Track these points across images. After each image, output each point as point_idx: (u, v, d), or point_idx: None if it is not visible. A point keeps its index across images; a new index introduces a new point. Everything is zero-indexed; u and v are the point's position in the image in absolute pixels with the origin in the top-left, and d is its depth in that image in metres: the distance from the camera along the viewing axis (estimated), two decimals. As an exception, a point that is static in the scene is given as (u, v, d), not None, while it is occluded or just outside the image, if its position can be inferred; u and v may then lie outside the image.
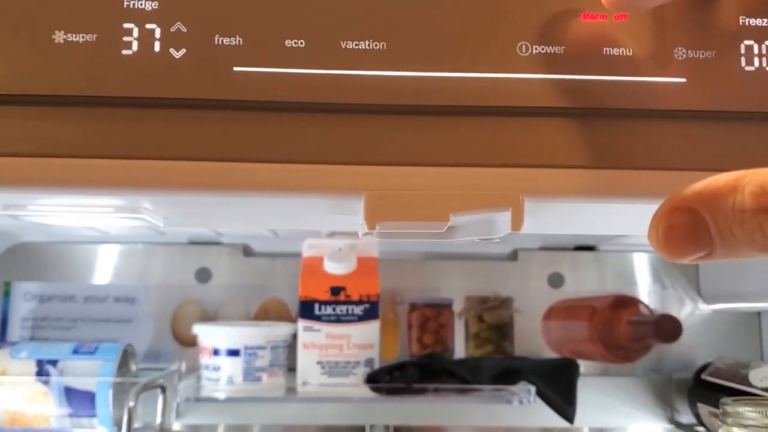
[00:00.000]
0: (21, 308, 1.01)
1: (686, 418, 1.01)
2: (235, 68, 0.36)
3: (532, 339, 1.07)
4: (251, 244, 1.06)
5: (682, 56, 0.37)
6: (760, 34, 0.38)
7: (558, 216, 0.43)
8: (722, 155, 0.37)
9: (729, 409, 0.67)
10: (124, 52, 0.36)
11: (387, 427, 0.99)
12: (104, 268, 1.03)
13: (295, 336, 0.90)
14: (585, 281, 1.09)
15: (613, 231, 0.63)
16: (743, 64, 0.38)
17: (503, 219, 0.36)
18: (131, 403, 0.68)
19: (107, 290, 1.02)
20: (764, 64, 0.38)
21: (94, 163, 0.36)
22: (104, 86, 0.36)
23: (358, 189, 0.36)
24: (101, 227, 0.56)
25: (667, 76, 0.37)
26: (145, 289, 1.03)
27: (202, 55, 0.36)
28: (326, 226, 0.57)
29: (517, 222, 0.36)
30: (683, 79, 0.37)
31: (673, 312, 1.05)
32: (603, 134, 0.37)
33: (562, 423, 0.92)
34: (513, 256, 1.10)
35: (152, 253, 1.04)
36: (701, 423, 0.97)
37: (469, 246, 1.08)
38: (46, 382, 0.82)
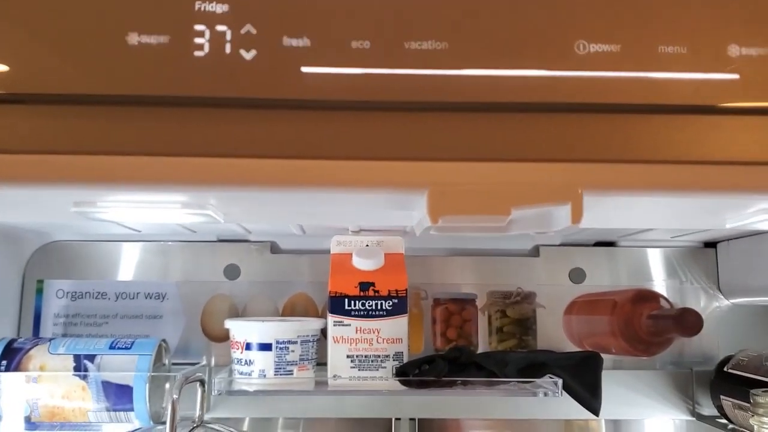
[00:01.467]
0: (53, 305, 1.02)
1: (708, 410, 1.02)
2: (303, 69, 0.38)
3: (554, 333, 1.08)
4: (278, 241, 1.07)
5: (735, 53, 0.39)
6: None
7: (612, 211, 0.44)
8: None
9: (760, 399, 0.68)
10: (196, 53, 0.38)
11: (413, 420, 1.01)
12: (135, 266, 1.05)
13: (323, 331, 0.91)
14: (605, 276, 1.10)
15: (659, 225, 0.64)
16: (792, 60, 0.39)
17: (563, 213, 0.38)
18: (175, 396, 0.70)
19: (138, 287, 1.04)
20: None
21: (165, 160, 0.37)
22: (176, 86, 0.37)
23: (422, 184, 0.37)
24: (165, 222, 0.57)
25: (721, 73, 0.38)
26: (175, 285, 1.04)
27: (271, 56, 0.38)
28: (378, 221, 0.58)
29: (576, 215, 0.37)
30: (737, 76, 0.38)
31: (693, 306, 1.06)
32: (659, 129, 0.38)
33: (582, 415, 0.93)
34: (535, 252, 1.11)
35: (182, 250, 1.05)
36: (724, 415, 0.98)
37: (491, 242, 1.10)
38: (84, 377, 0.84)
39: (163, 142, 0.37)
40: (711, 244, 1.10)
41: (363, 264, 0.92)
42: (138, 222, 0.48)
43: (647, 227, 0.77)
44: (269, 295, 1.05)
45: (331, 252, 0.95)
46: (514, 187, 0.37)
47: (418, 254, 1.07)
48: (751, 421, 0.67)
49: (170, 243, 1.05)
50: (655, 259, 1.10)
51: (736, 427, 0.96)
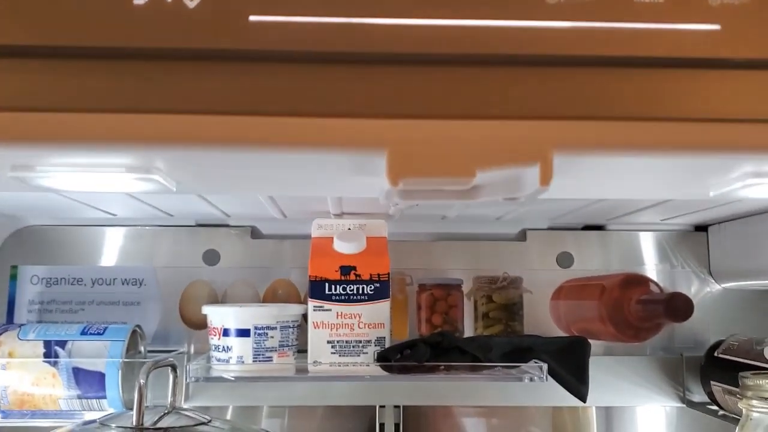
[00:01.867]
0: (28, 291, 1.00)
1: (698, 396, 1.01)
2: (251, 17, 0.35)
3: (542, 318, 1.06)
4: (259, 226, 1.05)
5: (716, 1, 0.36)
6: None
7: (584, 176, 0.42)
8: (759, 105, 0.36)
9: (749, 382, 0.66)
10: (135, 1, 0.35)
11: (397, 407, 0.99)
12: (112, 251, 1.02)
13: (304, 317, 0.89)
14: (594, 260, 1.08)
15: (638, 194, 0.62)
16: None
17: (531, 175, 0.35)
18: (141, 381, 0.67)
19: (115, 273, 1.01)
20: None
21: (103, 117, 0.35)
22: (114, 37, 0.35)
23: (381, 143, 0.35)
24: (112, 190, 0.55)
25: (701, 23, 0.36)
26: (153, 271, 1.02)
27: (216, 3, 0.35)
28: (345, 191, 0.56)
29: (545, 177, 0.35)
30: (717, 26, 0.36)
31: (683, 291, 1.04)
32: (635, 84, 0.36)
33: (570, 402, 0.91)
34: (521, 236, 1.09)
35: (160, 235, 1.03)
36: (714, 401, 0.97)
37: (477, 226, 1.07)
38: (54, 364, 0.81)
39: (101, 97, 0.34)
40: (702, 228, 1.09)
41: (344, 247, 0.90)
42: (82, 190, 0.45)
43: (626, 197, 0.75)
44: (250, 281, 1.03)
45: (312, 236, 0.93)
46: (479, 147, 0.35)
47: (404, 239, 1.05)
48: (740, 405, 0.65)
49: (147, 228, 1.03)
50: (645, 243, 1.08)
51: (727, 413, 0.94)
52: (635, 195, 0.65)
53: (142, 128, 0.35)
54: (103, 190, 0.49)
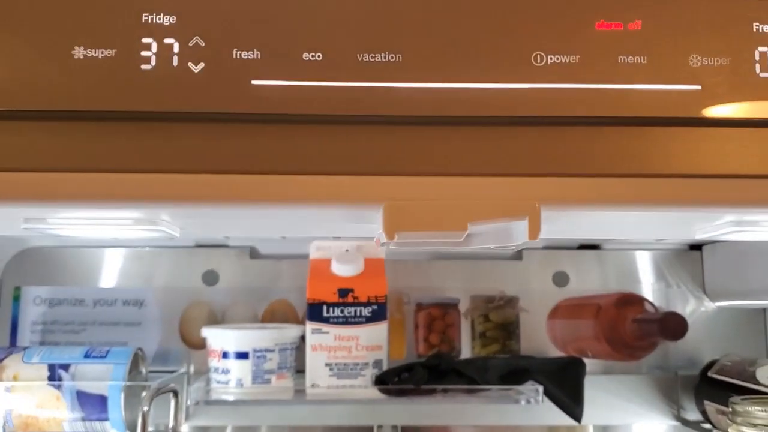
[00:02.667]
0: (31, 312, 1.01)
1: (693, 415, 1.01)
2: (254, 81, 0.37)
3: (538, 337, 1.07)
4: (257, 246, 1.06)
5: (697, 63, 0.38)
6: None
7: (573, 222, 0.43)
8: (738, 161, 0.37)
9: (738, 408, 0.67)
10: (143, 66, 0.37)
11: (395, 428, 1.00)
12: (112, 272, 1.03)
13: (302, 338, 0.90)
14: (589, 280, 1.09)
15: (626, 236, 0.64)
16: (758, 71, 0.38)
17: (520, 228, 0.37)
18: (145, 408, 0.69)
19: (116, 294, 1.03)
20: None
21: (113, 177, 0.36)
22: (124, 101, 0.36)
23: (377, 199, 0.37)
24: (117, 237, 0.56)
25: (682, 84, 0.37)
26: (153, 292, 1.03)
27: (220, 68, 0.37)
28: (342, 233, 0.57)
29: (534, 231, 0.36)
30: (698, 87, 0.37)
31: (678, 309, 1.06)
32: (618, 142, 0.37)
33: (567, 422, 0.92)
34: (518, 255, 1.10)
35: (160, 256, 1.04)
36: (708, 420, 0.98)
37: (474, 246, 1.08)
38: (58, 387, 0.83)
39: (110, 158, 0.36)
40: (696, 247, 1.10)
41: (342, 270, 0.91)
42: (92, 238, 0.47)
43: (612, 237, 0.76)
44: (248, 302, 1.04)
45: (310, 257, 0.94)
46: (470, 203, 0.36)
47: (400, 258, 1.06)
48: (730, 430, 0.66)
49: (147, 249, 1.04)
50: (640, 262, 1.09)
51: (720, 432, 0.95)
52: (624, 236, 0.66)
53: (150, 187, 0.36)
54: (111, 236, 0.50)
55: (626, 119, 0.37)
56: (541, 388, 0.88)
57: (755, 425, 0.66)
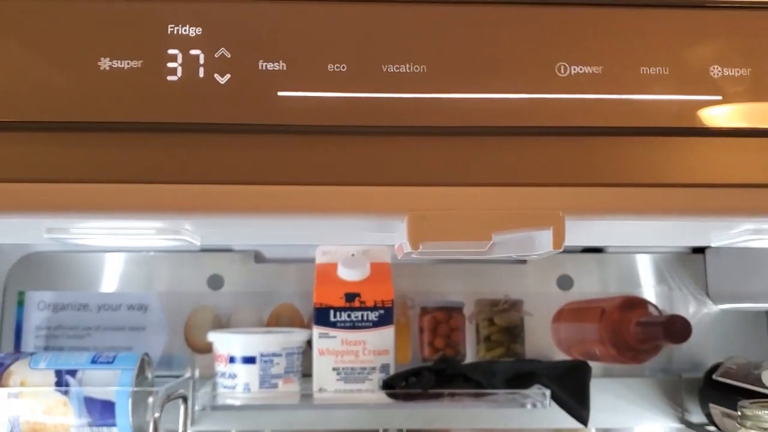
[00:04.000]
0: (35, 317, 1.01)
1: (697, 417, 1.02)
2: (279, 93, 0.37)
3: (543, 341, 1.07)
4: (262, 250, 1.06)
5: (717, 74, 0.38)
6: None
7: (595, 230, 0.44)
8: (758, 170, 0.38)
9: (748, 412, 0.68)
10: (169, 78, 0.37)
11: (400, 431, 1.00)
12: (117, 276, 1.03)
13: (308, 342, 0.90)
14: (593, 283, 1.09)
15: (644, 242, 0.64)
16: None
17: (544, 237, 0.37)
18: (156, 414, 0.69)
19: (120, 298, 1.03)
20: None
21: (138, 188, 0.37)
22: (149, 112, 0.36)
23: (401, 210, 0.37)
24: (141, 246, 0.57)
25: (703, 94, 0.38)
26: (158, 296, 1.03)
27: (246, 80, 0.37)
28: (363, 241, 0.58)
29: (558, 240, 0.36)
30: (719, 97, 0.38)
31: (681, 312, 1.06)
32: (640, 152, 0.38)
33: (572, 425, 0.93)
34: (522, 259, 1.10)
35: (164, 260, 1.04)
36: (713, 423, 0.98)
37: (478, 250, 1.09)
38: (65, 393, 0.82)
39: (135, 169, 0.36)
40: (699, 250, 1.10)
41: (348, 274, 0.91)
42: (113, 246, 0.47)
43: (632, 244, 0.77)
44: (254, 306, 1.04)
45: (316, 262, 0.94)
46: (494, 213, 0.36)
47: (405, 262, 1.06)
48: (739, 434, 0.67)
49: (152, 253, 1.04)
50: (643, 265, 1.10)
51: (725, 435, 0.96)
52: (640, 243, 0.67)
53: (176, 198, 0.36)
54: (132, 245, 0.50)
55: (648, 129, 0.37)
56: (548, 392, 0.88)
57: (765, 429, 0.66)
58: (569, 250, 1.10)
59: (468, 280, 1.08)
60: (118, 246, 0.48)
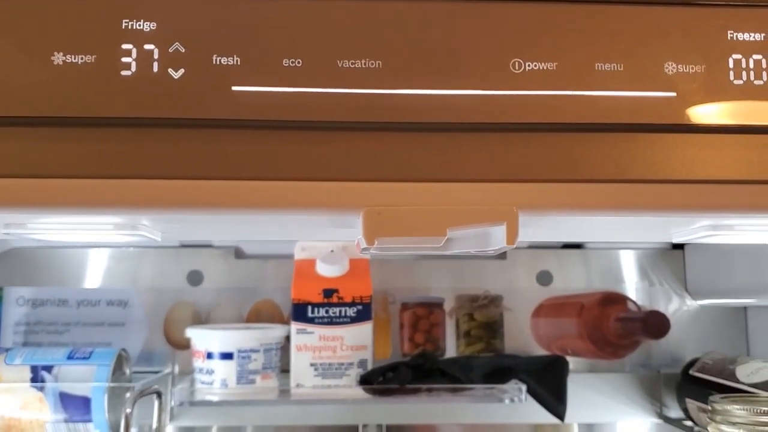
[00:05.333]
0: (14, 313, 1.01)
1: (675, 413, 1.02)
2: (234, 88, 0.37)
3: (522, 336, 1.08)
4: (242, 246, 1.06)
5: (672, 70, 0.38)
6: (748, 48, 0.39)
7: (551, 226, 0.44)
8: (712, 166, 0.38)
9: (718, 407, 0.68)
10: (123, 72, 0.37)
11: (380, 427, 1.00)
12: (96, 272, 1.03)
13: (287, 338, 0.90)
14: (573, 279, 1.10)
15: (605, 238, 0.65)
16: (732, 78, 0.39)
17: (499, 233, 0.37)
18: (128, 410, 0.69)
19: (100, 294, 1.02)
20: (752, 78, 0.39)
21: (93, 183, 0.36)
22: (103, 107, 0.36)
23: (357, 205, 0.37)
24: (100, 241, 0.56)
25: (658, 91, 0.38)
26: (137, 292, 1.03)
27: (200, 75, 0.37)
28: (325, 238, 0.58)
29: (511, 236, 0.37)
30: (673, 94, 0.38)
31: (661, 308, 1.07)
32: (595, 148, 0.38)
33: (552, 420, 0.93)
34: (502, 254, 1.11)
35: (144, 256, 1.04)
36: (690, 418, 0.99)
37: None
38: (41, 389, 0.82)
39: (90, 164, 0.36)
40: (679, 246, 1.10)
41: (327, 270, 0.91)
42: (71, 241, 0.47)
43: (594, 240, 0.77)
44: (233, 302, 1.04)
45: (295, 258, 0.94)
46: (449, 208, 0.37)
47: (386, 258, 1.06)
48: (710, 428, 0.67)
49: (131, 249, 1.04)
50: (623, 261, 1.10)
51: (702, 430, 0.96)
52: (602, 239, 0.67)
53: (130, 193, 0.36)
54: (92, 241, 0.50)
55: (603, 125, 0.38)
56: (524, 387, 0.88)
57: (734, 423, 0.66)
58: (549, 246, 1.11)
59: (448, 275, 1.09)
60: (80, 242, 0.48)
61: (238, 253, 1.06)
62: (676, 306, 1.09)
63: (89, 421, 0.83)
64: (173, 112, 0.36)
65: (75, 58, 0.36)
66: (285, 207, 0.37)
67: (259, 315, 1.04)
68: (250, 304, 1.04)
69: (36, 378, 0.83)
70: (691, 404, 0.96)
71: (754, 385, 0.84)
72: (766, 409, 0.65)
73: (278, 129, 0.37)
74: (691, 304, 1.08)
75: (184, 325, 0.95)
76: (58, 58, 0.36)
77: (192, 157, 0.37)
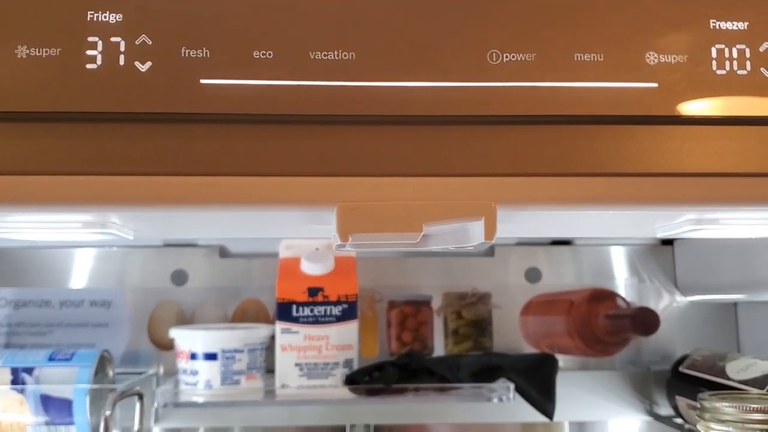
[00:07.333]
0: (-5, 315, 0.99)
1: (665, 410, 1.02)
2: (203, 81, 0.36)
3: (511, 334, 1.07)
4: (227, 245, 1.05)
5: (653, 61, 0.37)
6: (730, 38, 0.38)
7: (532, 221, 0.43)
8: (695, 159, 0.37)
9: (707, 404, 0.67)
10: (89, 66, 0.36)
11: (367, 427, 0.99)
12: (79, 272, 1.02)
13: (273, 338, 0.89)
14: (562, 275, 1.09)
15: (589, 234, 0.64)
16: (714, 68, 0.38)
17: (477, 228, 0.36)
18: (107, 412, 0.68)
19: (83, 294, 1.01)
20: (735, 68, 0.38)
21: (59, 180, 0.35)
22: (68, 101, 0.35)
23: (330, 201, 0.36)
24: (72, 239, 0.55)
25: (639, 81, 0.37)
26: (121, 292, 1.02)
27: (168, 68, 0.36)
28: (301, 234, 0.57)
29: (490, 231, 0.36)
30: (655, 84, 0.37)
31: (651, 304, 1.06)
32: (574, 141, 0.37)
33: (542, 419, 0.92)
34: (490, 251, 1.10)
35: (127, 256, 1.02)
36: (680, 415, 0.98)
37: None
38: (21, 391, 0.81)
39: (55, 160, 0.35)
40: (668, 242, 1.10)
41: (312, 269, 0.90)
42: (42, 240, 0.46)
43: (576, 236, 0.76)
44: (218, 301, 1.03)
45: (280, 256, 0.93)
46: (425, 203, 0.36)
47: (372, 255, 1.05)
48: (699, 426, 0.66)
49: (115, 249, 1.02)
50: (612, 257, 1.09)
51: (692, 427, 0.95)
52: (586, 234, 0.66)
53: (96, 190, 0.35)
54: (63, 239, 0.49)
55: (583, 117, 0.37)
56: (512, 386, 0.87)
57: (723, 421, 0.66)
58: (538, 242, 1.10)
59: (436, 273, 1.08)
60: (54, 241, 0.47)
61: (223, 252, 1.05)
62: (665, 302, 1.08)
63: (71, 423, 0.82)
64: (140, 106, 0.35)
65: (39, 51, 0.35)
66: (257, 203, 0.36)
67: (245, 314, 1.03)
68: (235, 304, 1.03)
69: (16, 380, 0.82)
70: (681, 401, 0.96)
71: (744, 382, 0.83)
72: (755, 406, 0.65)
73: (249, 123, 0.36)
74: (681, 300, 1.08)
75: (168, 325, 0.94)
76: (22, 51, 0.35)
77: (160, 153, 0.35)
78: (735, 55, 0.38)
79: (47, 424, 0.82)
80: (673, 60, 0.37)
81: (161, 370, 0.99)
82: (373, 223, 0.36)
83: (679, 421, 0.99)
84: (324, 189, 0.36)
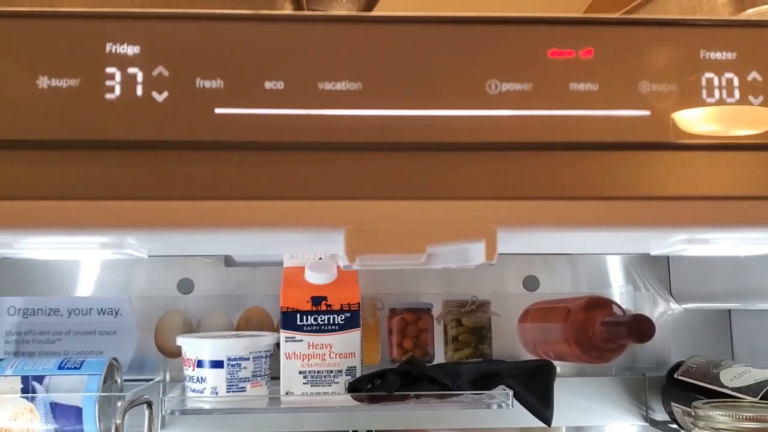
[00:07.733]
0: (5, 323, 1.01)
1: (660, 416, 1.03)
2: (217, 110, 0.38)
3: (509, 341, 1.08)
4: (232, 254, 1.07)
5: (646, 90, 0.39)
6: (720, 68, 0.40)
7: (533, 241, 0.45)
8: (686, 183, 0.39)
9: (701, 412, 0.69)
10: (107, 96, 0.37)
11: (369, 432, 1.01)
12: (87, 281, 1.04)
13: (277, 345, 0.91)
14: (559, 284, 1.11)
15: (585, 251, 0.65)
16: (704, 96, 0.40)
17: (478, 249, 0.38)
18: (118, 421, 0.69)
19: (91, 303, 1.03)
20: (724, 96, 0.40)
21: (79, 204, 0.37)
22: (88, 130, 0.37)
23: (338, 223, 0.38)
24: (87, 258, 0.57)
25: (632, 109, 0.39)
26: (129, 300, 1.03)
27: (184, 98, 0.37)
28: (305, 252, 0.59)
29: (490, 253, 0.37)
30: (647, 112, 0.39)
31: (646, 312, 1.08)
32: (571, 166, 0.39)
33: (541, 424, 0.94)
34: (489, 260, 1.11)
35: (134, 265, 1.04)
36: (675, 421, 1.00)
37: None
38: (32, 399, 0.83)
39: (76, 186, 0.37)
40: (664, 250, 1.11)
41: (315, 278, 0.92)
42: (58, 259, 0.47)
43: (573, 252, 0.78)
44: (224, 309, 1.04)
45: (284, 265, 0.95)
46: (428, 226, 0.37)
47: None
48: (693, 434, 0.68)
49: (122, 258, 1.04)
50: (609, 266, 1.11)
51: (687, 433, 0.97)
52: (581, 251, 0.68)
53: (116, 214, 0.37)
54: (79, 258, 0.51)
55: (578, 144, 0.38)
56: (511, 393, 0.89)
57: (717, 429, 0.67)
58: (536, 252, 1.11)
59: (436, 281, 1.09)
60: (64, 259, 0.49)
61: (228, 261, 1.07)
62: (661, 310, 1.10)
63: (80, 430, 0.83)
64: (157, 135, 0.37)
65: (59, 82, 0.37)
66: (268, 225, 0.38)
67: (250, 322, 1.04)
68: (240, 312, 1.05)
69: (27, 389, 0.84)
70: (676, 408, 0.97)
71: (738, 389, 0.85)
72: (748, 414, 0.67)
73: (261, 150, 0.38)
74: (676, 307, 1.10)
75: (174, 333, 0.96)
76: (43, 81, 0.37)
77: (176, 179, 0.37)
78: (724, 83, 0.39)
79: (57, 431, 0.84)
80: (664, 88, 0.39)
81: (168, 377, 1.00)
82: (379, 245, 0.38)
83: (674, 426, 1.01)
84: (332, 212, 0.38)
